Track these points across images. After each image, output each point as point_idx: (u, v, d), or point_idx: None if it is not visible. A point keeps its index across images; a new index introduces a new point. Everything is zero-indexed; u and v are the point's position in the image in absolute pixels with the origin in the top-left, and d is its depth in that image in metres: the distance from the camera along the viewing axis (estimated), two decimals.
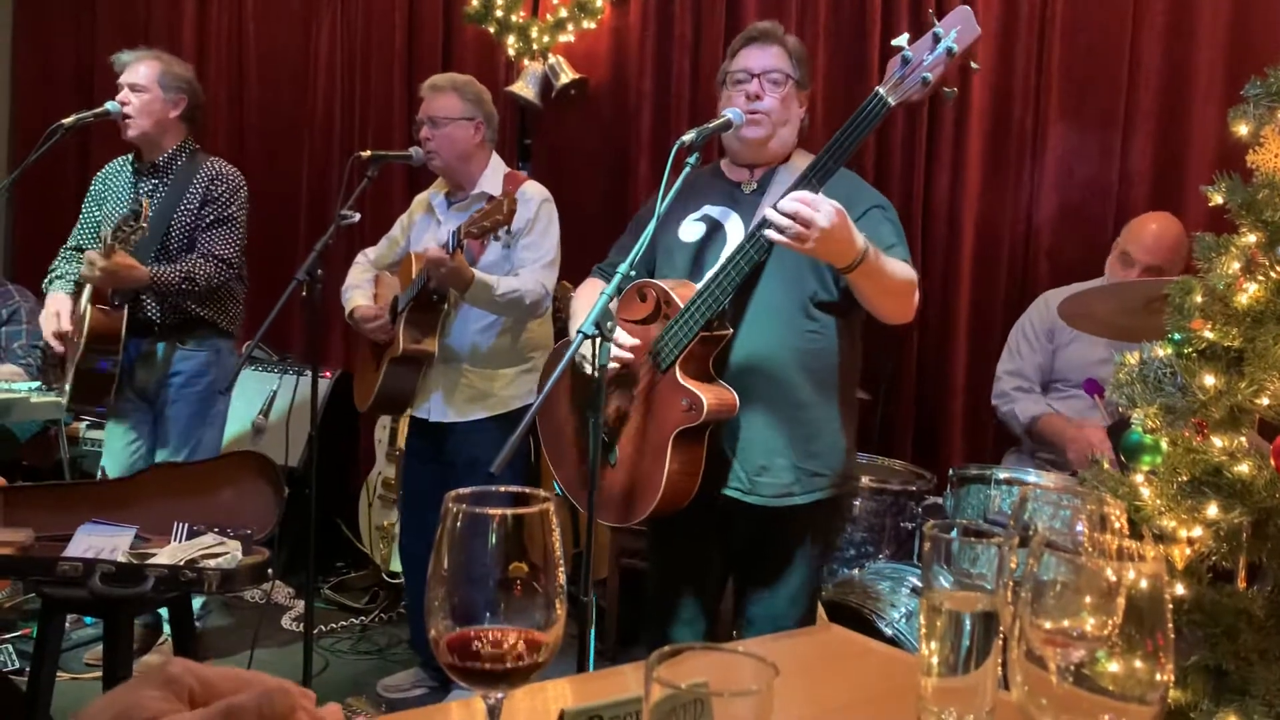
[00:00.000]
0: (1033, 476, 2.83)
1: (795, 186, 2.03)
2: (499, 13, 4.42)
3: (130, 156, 3.63)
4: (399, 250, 3.41)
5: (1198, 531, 1.54)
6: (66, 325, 3.42)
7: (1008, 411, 3.27)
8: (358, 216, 3.02)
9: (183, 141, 3.56)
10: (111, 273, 3.23)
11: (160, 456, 3.50)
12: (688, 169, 2.10)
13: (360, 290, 3.36)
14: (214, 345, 3.54)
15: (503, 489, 0.71)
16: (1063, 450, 3.06)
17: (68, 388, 3.42)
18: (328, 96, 5.08)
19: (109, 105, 3.39)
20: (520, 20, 4.43)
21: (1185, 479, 1.58)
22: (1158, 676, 0.64)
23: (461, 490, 0.69)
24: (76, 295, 3.52)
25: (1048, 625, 0.69)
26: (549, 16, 4.41)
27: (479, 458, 2.68)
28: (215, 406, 3.59)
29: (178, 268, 3.37)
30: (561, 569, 0.69)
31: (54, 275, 3.63)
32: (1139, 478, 1.65)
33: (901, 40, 1.99)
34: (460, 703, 0.86)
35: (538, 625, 0.68)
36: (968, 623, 0.87)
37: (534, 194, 3.18)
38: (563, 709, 0.79)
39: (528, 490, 0.71)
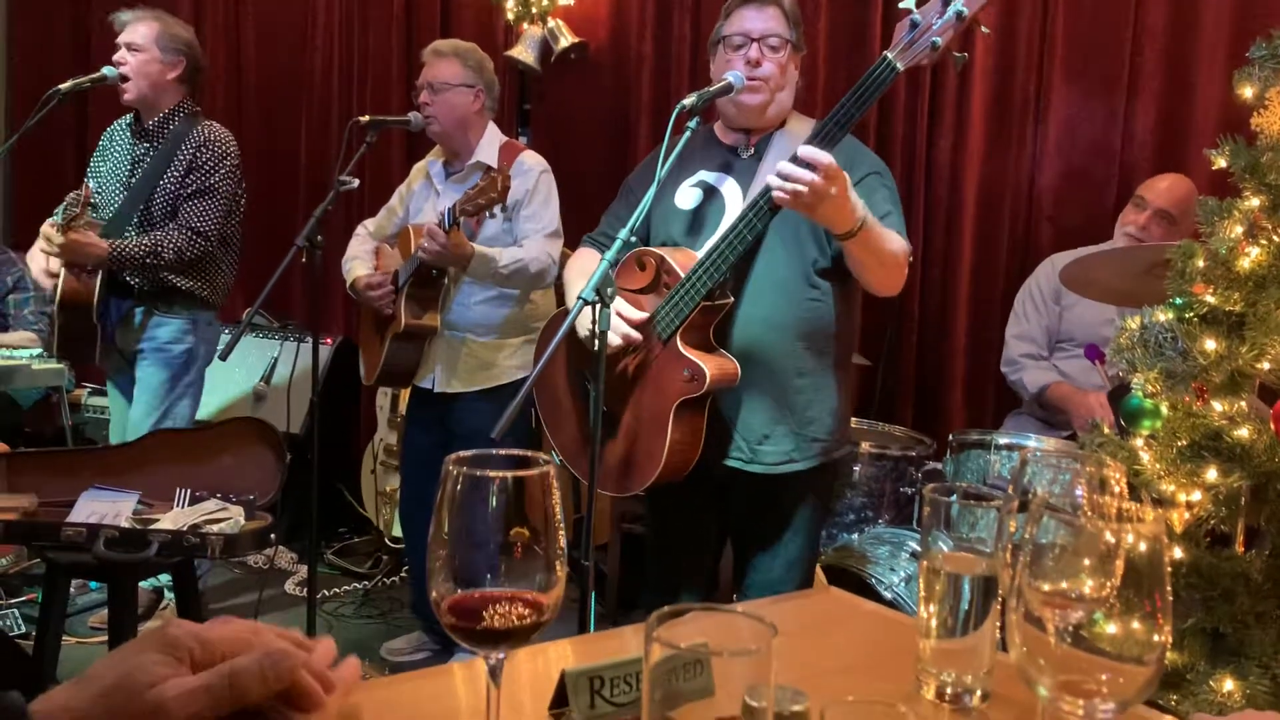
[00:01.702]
0: (1033, 441, 2.84)
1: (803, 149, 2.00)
2: None
3: (131, 116, 3.58)
4: (398, 220, 3.39)
5: (1197, 495, 1.54)
6: (55, 266, 3.33)
7: (1016, 380, 3.29)
8: (356, 182, 3.00)
9: (179, 103, 3.49)
10: (67, 249, 3.21)
11: (131, 421, 3.45)
12: (688, 133, 2.08)
13: (360, 261, 3.35)
14: (191, 316, 3.47)
15: (503, 452, 0.71)
16: (1069, 417, 3.08)
17: (55, 343, 3.40)
18: (326, 60, 5.04)
19: (106, 70, 3.36)
20: None
21: (1185, 443, 1.58)
22: (1155, 637, 0.64)
23: (461, 453, 0.69)
24: None
25: (1046, 587, 0.69)
26: None
27: (481, 428, 2.69)
28: (188, 377, 3.50)
29: (142, 241, 3.30)
30: (562, 532, 0.70)
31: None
32: (1139, 442, 1.65)
33: (910, 3, 1.96)
34: (463, 664, 0.87)
35: (538, 587, 0.69)
36: (967, 585, 0.88)
37: (532, 164, 3.17)
38: (563, 669, 0.80)
39: (528, 454, 0.71)
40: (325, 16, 5.02)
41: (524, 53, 4.34)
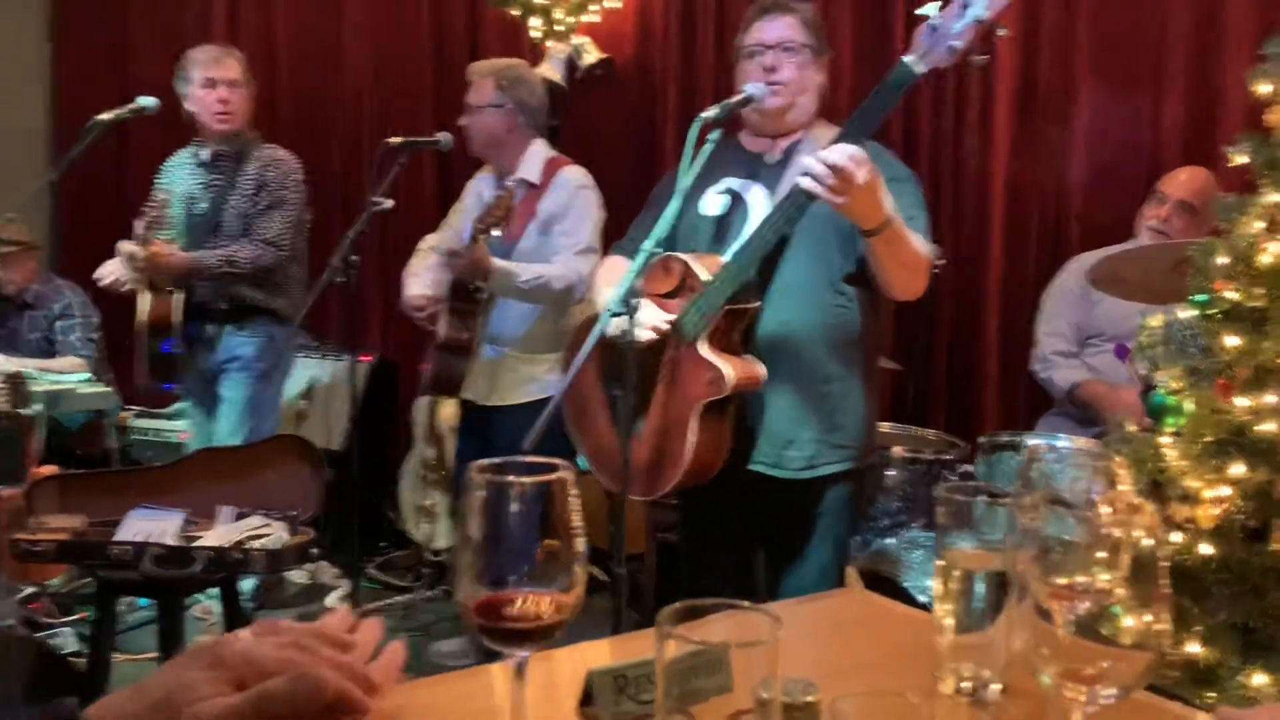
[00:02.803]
0: (1064, 442, 2.83)
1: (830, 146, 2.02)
2: None
3: (191, 149, 3.72)
4: (453, 234, 3.50)
5: (1223, 491, 1.55)
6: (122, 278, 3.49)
7: (1046, 379, 3.28)
8: (390, 203, 3.07)
9: (248, 128, 3.68)
10: (150, 262, 3.36)
11: (219, 438, 3.59)
12: (710, 145, 2.11)
13: (416, 278, 3.41)
14: (268, 331, 3.61)
15: (524, 459, 0.74)
16: (1101, 414, 3.07)
17: (145, 366, 3.55)
18: (356, 82, 5.13)
19: (144, 101, 3.46)
20: (544, 2, 4.44)
21: (1210, 439, 1.59)
22: (1156, 626, 0.66)
23: (484, 461, 0.73)
24: None
25: (1053, 580, 0.72)
26: None
27: (520, 441, 2.73)
28: (270, 391, 3.68)
29: (218, 251, 3.47)
30: (581, 535, 0.73)
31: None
32: (1164, 439, 1.66)
33: (930, 9, 1.97)
34: (500, 665, 0.90)
35: (560, 588, 0.72)
36: (980, 581, 0.90)
37: (570, 179, 3.23)
38: (589, 669, 0.83)
39: (548, 460, 0.74)
40: (356, 39, 5.11)
41: (550, 70, 4.39)
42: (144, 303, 3.45)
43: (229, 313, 3.57)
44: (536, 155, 3.30)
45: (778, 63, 2.26)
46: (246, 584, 3.70)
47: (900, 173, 2.27)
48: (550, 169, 3.25)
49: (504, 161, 3.32)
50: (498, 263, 3.05)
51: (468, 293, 3.22)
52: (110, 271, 3.50)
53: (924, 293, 2.26)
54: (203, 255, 3.45)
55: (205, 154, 3.67)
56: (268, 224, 3.55)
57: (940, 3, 1.99)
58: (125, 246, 3.38)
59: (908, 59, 1.99)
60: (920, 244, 2.15)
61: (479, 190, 3.45)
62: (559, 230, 3.19)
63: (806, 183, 1.94)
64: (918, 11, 2.00)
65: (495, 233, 2.99)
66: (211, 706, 0.66)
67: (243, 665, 0.70)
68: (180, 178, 3.72)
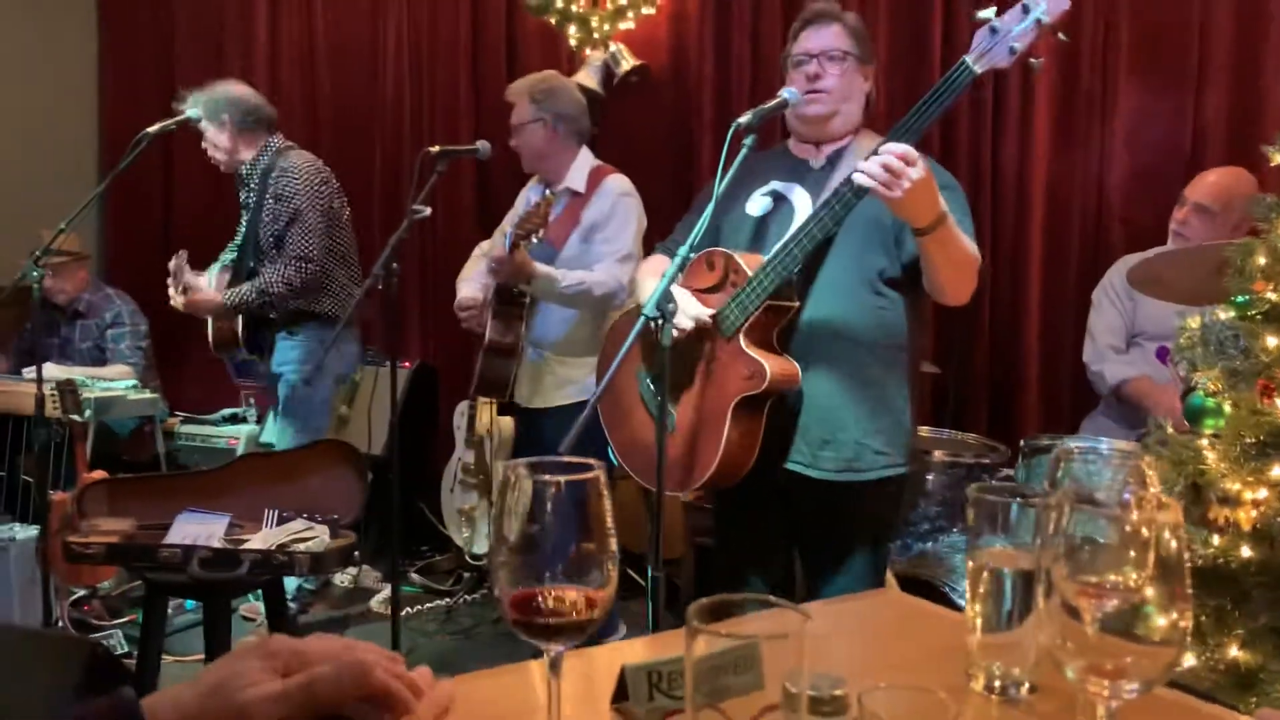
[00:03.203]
0: (1105, 445, 2.81)
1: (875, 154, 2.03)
2: (560, 4, 4.48)
3: None
4: (504, 241, 3.58)
5: (1263, 493, 1.53)
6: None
7: (1097, 371, 3.24)
8: (429, 211, 3.10)
9: (262, 147, 3.76)
10: (189, 309, 3.62)
11: (282, 444, 3.74)
12: (745, 150, 2.13)
13: (468, 282, 3.53)
14: (317, 335, 3.72)
15: (558, 459, 0.76)
16: (1148, 414, 3.04)
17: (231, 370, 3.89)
18: (396, 90, 5.19)
19: (190, 113, 3.54)
20: (581, 10, 4.48)
21: (1250, 441, 1.58)
22: (1181, 623, 0.67)
23: (520, 460, 0.75)
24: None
25: (1080, 577, 0.72)
26: (609, 5, 4.45)
27: (559, 441, 2.77)
28: (320, 394, 3.79)
29: (252, 284, 3.61)
30: (613, 533, 0.75)
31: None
32: (1203, 441, 1.65)
33: (989, 12, 2.00)
34: (539, 661, 0.92)
35: (593, 585, 0.74)
36: (1010, 581, 0.91)
37: (613, 187, 3.32)
38: (623, 664, 0.85)
39: (583, 460, 0.76)
40: (395, 49, 5.18)
41: (587, 77, 4.43)
42: (210, 328, 3.70)
43: (282, 321, 3.71)
44: (582, 164, 3.40)
45: (821, 71, 2.28)
46: (290, 583, 3.80)
47: (947, 180, 2.28)
48: (595, 178, 3.34)
49: (552, 172, 3.42)
50: (540, 268, 3.13)
51: (512, 297, 3.32)
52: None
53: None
54: (236, 294, 3.61)
55: (238, 176, 3.82)
56: (292, 239, 3.64)
57: (995, 8, 2.00)
58: (171, 292, 3.61)
59: (968, 59, 2.00)
60: (973, 248, 2.16)
61: (529, 198, 3.56)
62: (601, 238, 3.27)
63: (862, 178, 1.96)
64: (978, 15, 2.01)
65: (534, 239, 3.05)
66: (262, 690, 0.69)
67: (291, 656, 0.73)
68: (239, 195, 3.88)
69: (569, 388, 3.34)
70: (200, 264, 3.82)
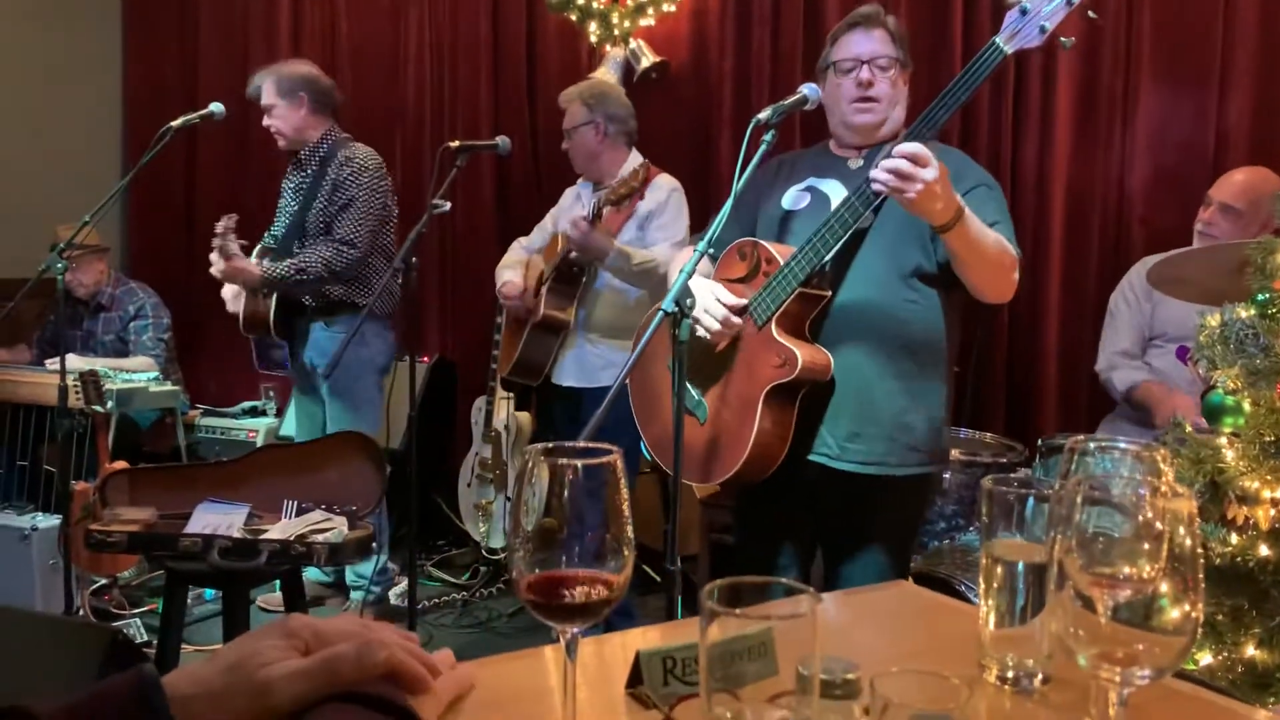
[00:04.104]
0: (1124, 444, 2.80)
1: (907, 136, 2.03)
2: (580, 1, 4.49)
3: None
4: (547, 234, 3.73)
5: None
6: (229, 293, 3.84)
7: (1106, 379, 3.26)
8: (448, 205, 3.13)
9: (326, 132, 3.85)
10: (226, 273, 3.64)
11: (340, 426, 3.74)
12: (765, 146, 2.13)
13: (511, 270, 3.68)
14: (355, 326, 3.76)
15: (577, 444, 0.77)
16: (1154, 416, 3.03)
17: (255, 356, 3.94)
18: (417, 87, 5.21)
19: (214, 107, 3.56)
20: (601, 7, 4.48)
21: (1269, 440, 1.57)
22: (1192, 613, 0.67)
23: (539, 444, 0.76)
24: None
25: (1091, 569, 0.73)
26: (629, 1, 4.46)
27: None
28: (364, 382, 3.83)
29: (290, 261, 3.65)
30: (629, 519, 0.76)
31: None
32: (1222, 440, 1.64)
33: None
34: (554, 646, 0.93)
35: (609, 569, 0.75)
36: (1023, 574, 0.91)
37: (665, 183, 3.47)
38: (638, 650, 0.86)
39: (601, 445, 0.77)
40: (416, 46, 5.20)
41: (607, 74, 4.43)
42: (243, 306, 3.75)
43: (320, 309, 3.76)
44: (633, 164, 3.48)
45: (872, 78, 2.27)
46: (313, 572, 3.87)
47: (986, 180, 2.28)
48: (646, 174, 3.42)
49: (604, 172, 3.53)
50: (616, 242, 3.26)
51: (571, 275, 3.46)
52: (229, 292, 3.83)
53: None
54: (275, 267, 3.64)
55: (295, 158, 3.89)
56: (341, 224, 3.71)
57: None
58: (212, 256, 3.62)
59: (998, 39, 2.00)
60: (1003, 243, 2.14)
61: (577, 193, 3.69)
62: (656, 225, 3.41)
63: (876, 184, 1.96)
64: None
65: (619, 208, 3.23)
66: (285, 668, 0.70)
67: (309, 635, 0.74)
68: (286, 182, 3.95)
69: (609, 372, 3.42)
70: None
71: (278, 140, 3.84)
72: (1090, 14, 2.01)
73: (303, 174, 3.84)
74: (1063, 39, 1.99)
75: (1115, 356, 3.25)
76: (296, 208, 3.79)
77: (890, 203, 2.13)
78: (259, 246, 3.85)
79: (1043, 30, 1.96)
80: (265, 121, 3.82)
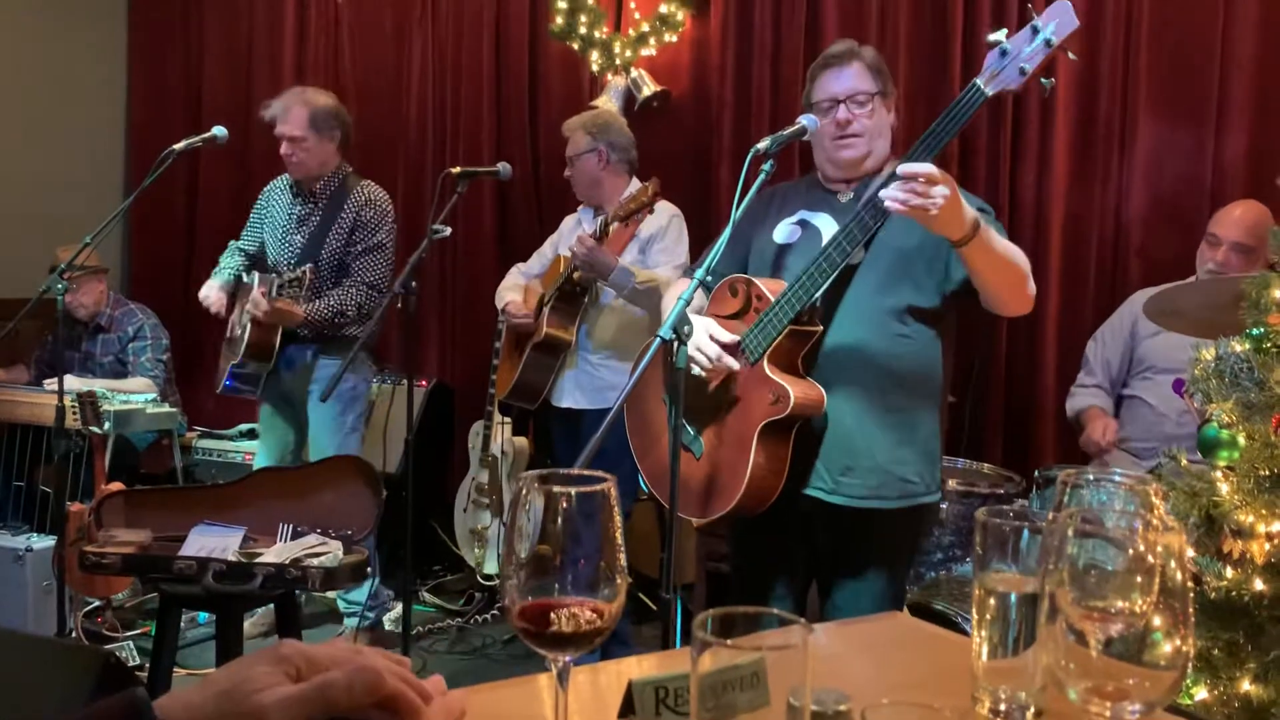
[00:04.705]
0: (1117, 477, 2.80)
1: (890, 179, 2.03)
2: (582, 29, 4.53)
3: (288, 179, 3.91)
4: (546, 260, 3.77)
5: (1277, 526, 1.53)
6: (219, 309, 3.83)
7: (1068, 405, 3.40)
8: (449, 230, 3.14)
9: (338, 166, 3.84)
10: (272, 315, 3.60)
11: (333, 440, 3.76)
12: (763, 175, 2.14)
13: (512, 290, 3.73)
14: (356, 357, 3.77)
15: (569, 471, 0.77)
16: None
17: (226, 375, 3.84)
18: (420, 112, 5.24)
19: (216, 131, 3.58)
20: (603, 36, 4.52)
21: (1264, 474, 1.57)
22: (1184, 647, 0.67)
23: (532, 471, 0.76)
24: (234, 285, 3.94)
25: (1083, 602, 0.73)
26: (631, 31, 4.50)
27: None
28: (356, 411, 3.85)
29: (329, 303, 3.66)
30: (622, 547, 0.76)
31: (218, 269, 3.97)
32: (1218, 473, 1.64)
33: (999, 35, 2.01)
34: (548, 674, 0.93)
35: (602, 597, 0.75)
36: (1016, 604, 0.91)
37: (666, 207, 3.51)
38: (630, 679, 0.85)
39: (594, 473, 0.77)
40: (419, 72, 5.24)
41: (608, 102, 4.47)
42: (247, 334, 3.70)
43: (319, 339, 3.75)
44: (633, 190, 3.50)
45: (851, 115, 2.29)
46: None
47: (982, 205, 2.28)
48: (656, 190, 3.42)
49: (606, 199, 3.57)
50: (620, 260, 3.28)
51: (574, 295, 3.48)
52: (214, 299, 3.82)
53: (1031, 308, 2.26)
54: (316, 308, 3.65)
55: (301, 187, 3.85)
56: (368, 268, 3.73)
57: (1006, 30, 2.02)
58: (255, 296, 3.60)
59: (979, 80, 2.02)
60: (1019, 255, 2.15)
61: (577, 219, 3.72)
62: (658, 248, 3.45)
63: (891, 203, 1.93)
64: (989, 38, 2.02)
65: (625, 225, 3.25)
66: (280, 693, 0.70)
67: (302, 661, 0.74)
68: (278, 204, 3.90)
69: (611, 392, 3.43)
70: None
71: (293, 170, 3.78)
72: (1070, 55, 2.03)
73: (311, 205, 3.81)
74: (1044, 80, 2.01)
75: (1076, 388, 3.39)
76: (304, 240, 3.77)
77: (881, 238, 2.14)
78: (225, 272, 3.89)
79: (1022, 72, 1.97)
80: (286, 150, 3.74)
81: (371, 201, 3.77)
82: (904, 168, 1.93)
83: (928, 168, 1.91)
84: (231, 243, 4.06)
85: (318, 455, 3.70)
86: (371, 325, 3.62)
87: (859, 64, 2.31)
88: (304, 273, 3.58)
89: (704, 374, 2.23)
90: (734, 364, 2.21)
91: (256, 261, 3.94)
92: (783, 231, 2.40)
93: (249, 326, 3.68)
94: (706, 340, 2.19)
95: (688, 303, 2.01)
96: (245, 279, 3.90)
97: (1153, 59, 3.50)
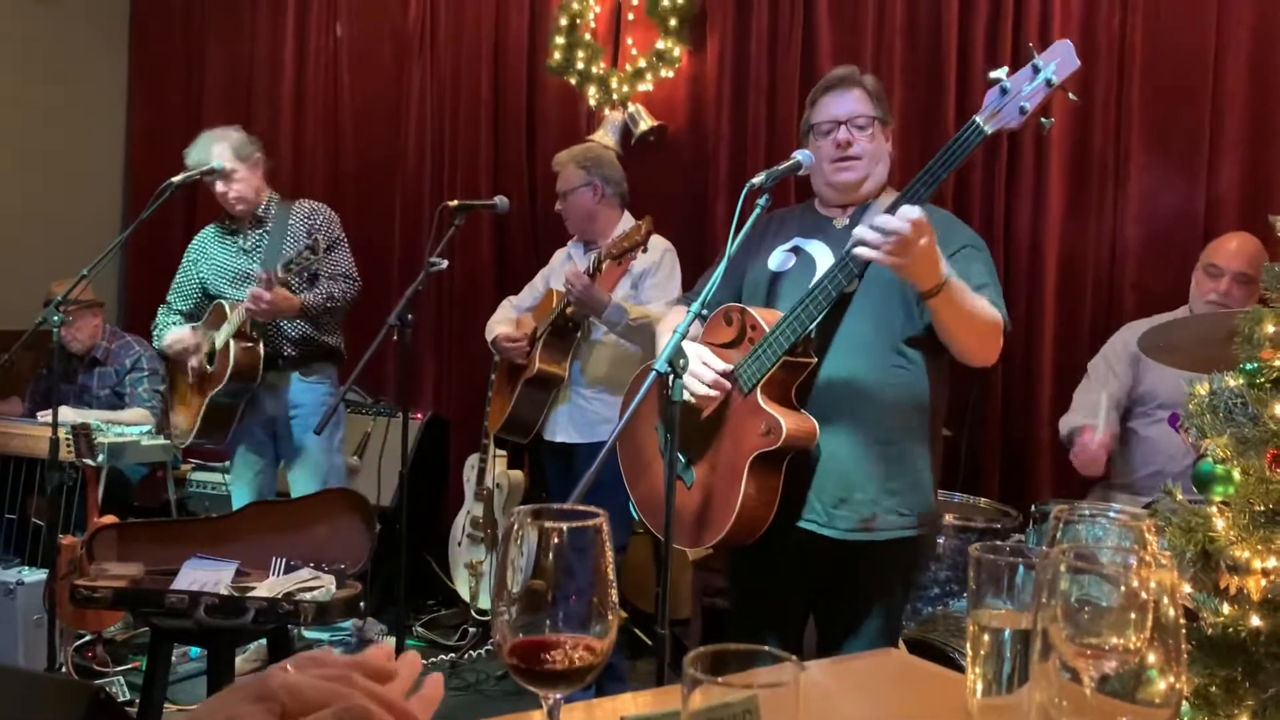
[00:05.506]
0: (1112, 513, 2.79)
1: (889, 211, 2.04)
2: (580, 65, 4.57)
3: (216, 225, 3.92)
4: (537, 293, 3.76)
5: (1272, 563, 1.52)
6: (195, 340, 3.78)
7: (1061, 427, 3.33)
8: (445, 263, 3.15)
9: (269, 191, 3.88)
10: (276, 304, 3.54)
11: (297, 489, 3.72)
12: (758, 210, 2.15)
13: (503, 323, 3.72)
14: (332, 377, 3.83)
15: (562, 506, 0.77)
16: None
17: (198, 420, 3.72)
18: (418, 145, 5.27)
19: (215, 163, 3.60)
20: (600, 71, 4.56)
21: (1260, 509, 1.57)
22: (1176, 685, 0.67)
23: (524, 507, 0.76)
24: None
25: (1076, 640, 0.73)
26: (628, 67, 4.54)
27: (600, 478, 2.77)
28: (338, 434, 3.87)
29: (319, 290, 3.69)
30: (614, 582, 0.75)
31: (159, 329, 3.95)
32: (1213, 508, 1.64)
33: (1000, 73, 2.02)
34: (540, 711, 0.92)
35: (594, 633, 0.74)
36: (1009, 642, 0.91)
37: (659, 244, 3.50)
38: (622, 716, 0.85)
39: (583, 508, 0.77)
40: (418, 105, 5.27)
41: (605, 136, 4.50)
42: (232, 355, 3.63)
43: (295, 360, 3.75)
44: (626, 225, 3.52)
45: (850, 138, 2.30)
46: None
47: (973, 241, 2.29)
48: (649, 229, 3.44)
49: (599, 232, 3.57)
50: (613, 297, 3.29)
51: (566, 330, 3.49)
52: (182, 341, 3.76)
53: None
54: (310, 296, 3.67)
55: (237, 223, 3.85)
56: (338, 262, 3.76)
57: (1007, 68, 2.03)
58: (254, 290, 3.53)
59: (978, 118, 2.02)
60: (988, 308, 2.15)
61: (568, 253, 3.72)
62: (651, 283, 3.45)
63: (862, 251, 1.96)
64: (989, 75, 2.04)
65: (617, 264, 3.26)
66: None
67: (287, 697, 0.72)
68: (216, 250, 3.88)
69: (604, 426, 3.42)
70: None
71: (234, 205, 3.75)
72: (1071, 96, 2.04)
73: (258, 231, 3.81)
74: (1043, 119, 2.02)
75: (1071, 413, 3.31)
76: (260, 263, 3.71)
77: (875, 267, 2.15)
78: (170, 317, 3.88)
79: (1022, 111, 1.98)
80: (222, 188, 3.71)
81: (316, 208, 3.85)
82: (880, 220, 1.94)
83: (904, 226, 1.91)
84: (161, 308, 3.99)
85: (307, 474, 3.69)
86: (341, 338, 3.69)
87: (860, 89, 2.33)
88: (316, 243, 3.56)
89: (696, 400, 2.22)
90: (728, 386, 2.21)
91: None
92: (777, 259, 2.40)
93: (232, 346, 3.62)
94: (701, 366, 2.19)
95: (684, 336, 2.01)
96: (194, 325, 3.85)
97: (1145, 94, 3.53)
